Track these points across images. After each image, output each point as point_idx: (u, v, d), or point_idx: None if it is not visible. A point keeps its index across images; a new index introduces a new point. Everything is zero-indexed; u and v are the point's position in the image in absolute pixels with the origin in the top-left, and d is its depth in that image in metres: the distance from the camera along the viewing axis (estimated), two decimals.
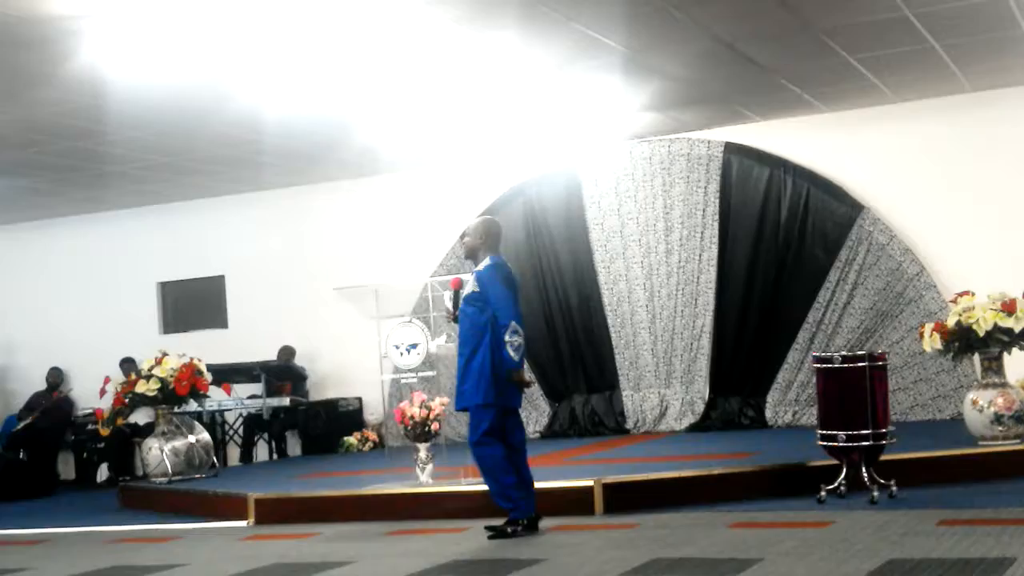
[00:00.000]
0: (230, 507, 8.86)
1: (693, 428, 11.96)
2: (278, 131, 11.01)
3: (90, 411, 13.10)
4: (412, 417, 8.36)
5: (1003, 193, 11.24)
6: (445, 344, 9.15)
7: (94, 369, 12.47)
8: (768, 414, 11.81)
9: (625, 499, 7.74)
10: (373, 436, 13.03)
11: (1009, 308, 8.31)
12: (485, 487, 8.22)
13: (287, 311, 13.90)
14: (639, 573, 5.58)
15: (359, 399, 13.36)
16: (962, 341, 8.47)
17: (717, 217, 12.09)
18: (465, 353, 7.00)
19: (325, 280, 13.07)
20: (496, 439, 7.03)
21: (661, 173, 12.34)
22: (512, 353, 6.83)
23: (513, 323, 6.84)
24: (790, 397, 11.77)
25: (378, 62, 9.05)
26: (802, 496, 7.56)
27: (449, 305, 7.28)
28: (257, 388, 13.03)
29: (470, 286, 7.08)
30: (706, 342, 12.10)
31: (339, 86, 9.67)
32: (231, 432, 13.68)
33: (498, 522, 7.04)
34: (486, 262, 7.10)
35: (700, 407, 12.06)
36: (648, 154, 12.40)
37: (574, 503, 7.74)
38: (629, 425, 12.36)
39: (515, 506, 7.00)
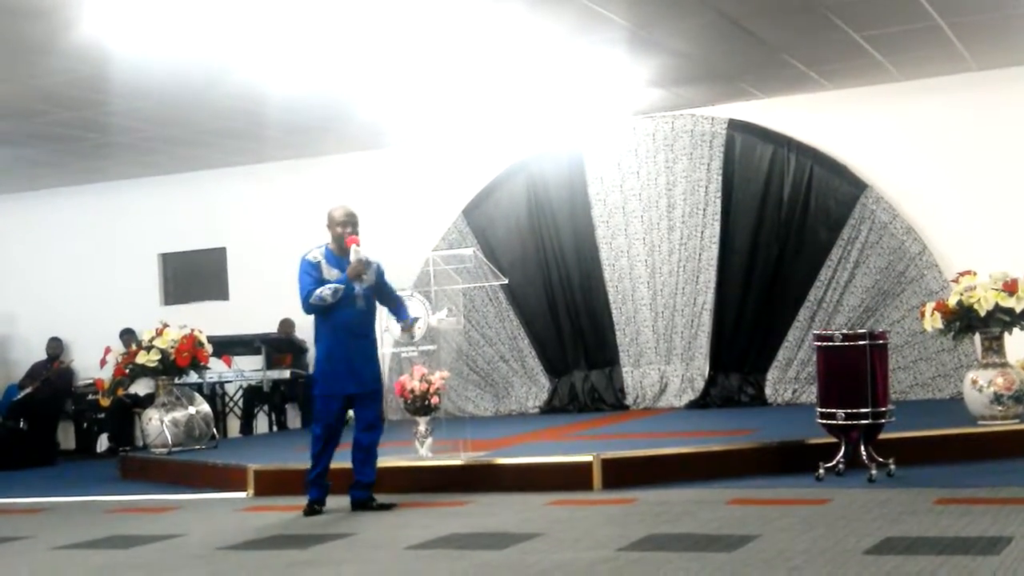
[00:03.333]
0: (230, 478, 8.89)
1: (693, 405, 11.97)
2: (281, 103, 10.97)
3: (90, 381, 13.13)
4: (412, 391, 8.37)
5: (1007, 173, 11.21)
6: (446, 318, 9.13)
7: (95, 340, 12.47)
8: (768, 391, 11.82)
9: (624, 474, 7.76)
10: None
11: (1011, 288, 8.30)
12: (483, 461, 8.28)
13: (288, 283, 13.71)
14: (637, 548, 5.59)
15: None
16: (963, 321, 8.46)
17: (720, 194, 12.06)
18: (372, 336, 7.50)
19: None
20: None
21: (664, 149, 12.31)
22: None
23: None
24: (790, 375, 11.78)
25: (382, 34, 9.01)
26: (800, 473, 7.57)
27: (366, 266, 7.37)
28: (257, 360, 13.04)
29: (374, 275, 7.45)
30: (707, 319, 12.10)
31: (342, 58, 9.64)
32: (231, 404, 13.71)
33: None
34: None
35: (700, 384, 12.07)
36: (651, 130, 12.36)
37: (573, 478, 7.76)
38: (629, 401, 12.37)
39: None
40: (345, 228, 7.33)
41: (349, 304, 7.28)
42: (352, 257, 7.21)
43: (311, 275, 7.25)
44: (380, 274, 7.55)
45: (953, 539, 5.29)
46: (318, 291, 7.19)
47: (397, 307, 7.76)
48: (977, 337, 8.75)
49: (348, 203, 7.62)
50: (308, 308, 7.32)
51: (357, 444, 7.44)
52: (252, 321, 13.40)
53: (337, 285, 7.17)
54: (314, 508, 7.35)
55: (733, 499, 6.95)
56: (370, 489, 7.44)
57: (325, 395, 7.38)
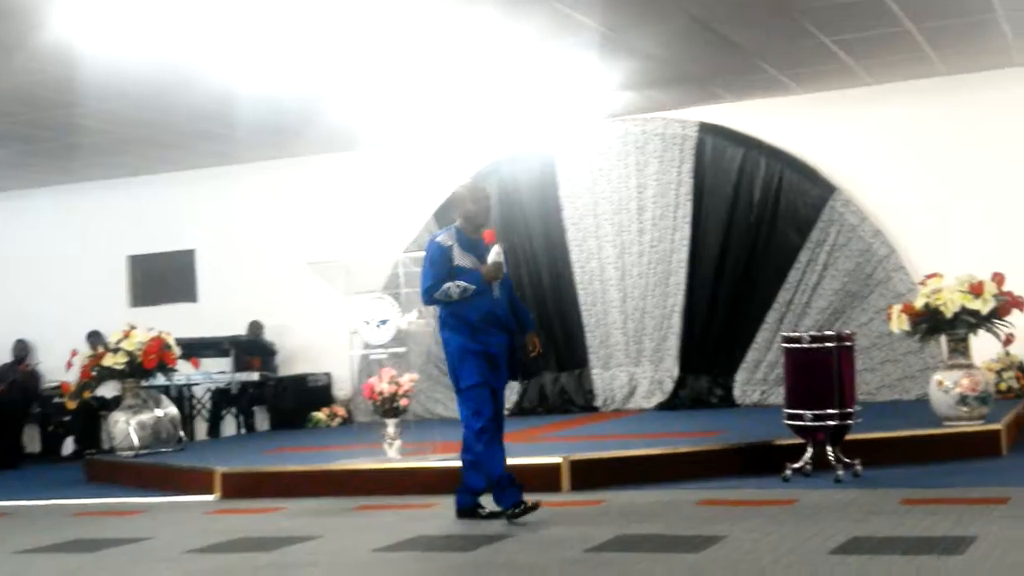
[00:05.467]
0: (196, 481, 8.83)
1: (662, 406, 11.99)
2: (251, 105, 10.91)
3: (56, 384, 13.00)
4: (381, 393, 8.35)
5: (974, 176, 11.30)
6: (416, 320, 9.10)
7: (61, 342, 12.35)
8: (736, 393, 11.86)
9: (592, 476, 7.77)
10: (342, 412, 13.01)
11: (976, 290, 8.35)
12: (456, 463, 8.23)
13: (257, 286, 13.84)
14: (605, 549, 5.59)
15: (328, 374, 13.32)
16: (929, 323, 8.51)
17: (690, 197, 12.09)
18: (513, 328, 6.72)
19: (296, 255, 13.01)
20: None
21: (635, 152, 12.33)
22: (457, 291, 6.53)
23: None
24: (758, 376, 11.82)
25: (353, 36, 8.98)
26: (768, 474, 7.60)
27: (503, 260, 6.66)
28: (226, 363, 12.97)
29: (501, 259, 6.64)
30: (676, 321, 12.12)
31: (313, 60, 9.60)
32: (199, 406, 13.63)
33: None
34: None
35: (669, 386, 12.09)
36: (622, 133, 12.38)
37: (541, 480, 7.73)
38: (598, 403, 12.38)
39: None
40: (479, 204, 6.63)
41: (486, 293, 6.57)
42: (492, 258, 6.55)
43: (440, 264, 6.50)
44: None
45: (918, 539, 5.32)
46: (446, 286, 6.45)
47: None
48: (943, 339, 8.80)
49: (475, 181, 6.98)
50: (430, 301, 6.62)
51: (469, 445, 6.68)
52: (221, 323, 13.35)
53: (467, 285, 6.45)
54: (530, 505, 6.47)
55: (701, 500, 6.96)
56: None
57: (475, 386, 6.55)
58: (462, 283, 6.46)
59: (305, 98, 10.83)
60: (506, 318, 6.66)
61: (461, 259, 6.54)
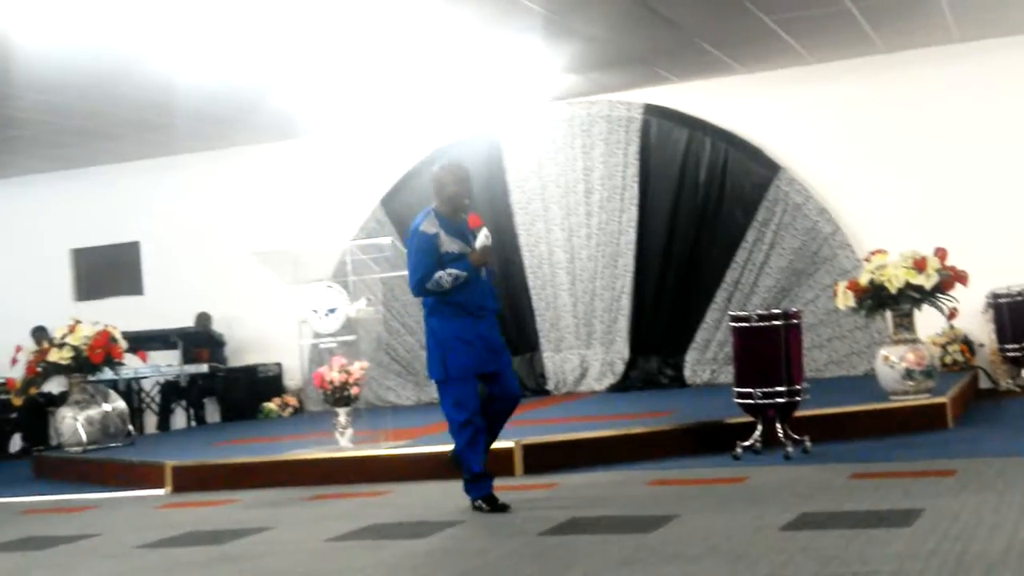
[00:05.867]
0: (147, 475, 8.76)
1: (613, 388, 12.05)
2: (192, 94, 10.78)
3: (1, 381, 12.81)
4: (331, 382, 8.31)
5: (916, 153, 11.43)
6: (365, 308, 9.07)
7: (5, 338, 12.14)
8: (687, 373, 11.93)
9: (545, 460, 7.78)
10: (293, 401, 12.95)
11: (920, 266, 8.46)
12: (404, 450, 8.24)
13: (204, 277, 13.71)
14: (558, 532, 5.61)
15: (279, 364, 13.24)
16: (875, 298, 8.61)
17: (637, 179, 12.13)
18: (495, 308, 6.55)
19: (242, 245, 12.89)
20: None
21: (581, 135, 12.34)
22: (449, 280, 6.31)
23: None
24: (708, 356, 11.90)
25: (294, 22, 8.89)
26: (718, 453, 7.68)
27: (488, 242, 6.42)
28: (174, 355, 12.86)
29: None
30: (626, 303, 12.17)
31: (254, 48, 9.50)
32: (148, 400, 13.50)
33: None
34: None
35: (620, 367, 12.15)
36: (568, 116, 12.39)
37: (494, 464, 7.69)
38: (550, 386, 12.41)
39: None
40: (460, 185, 6.38)
41: (477, 277, 6.38)
42: (481, 242, 6.31)
43: (428, 253, 6.25)
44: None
45: (867, 513, 5.39)
46: (438, 276, 6.22)
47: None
48: (888, 314, 8.91)
49: (457, 159, 6.75)
50: (421, 292, 6.35)
51: (500, 418, 6.55)
52: (168, 315, 13.23)
53: (459, 273, 6.23)
54: (499, 504, 6.36)
55: (653, 480, 7.01)
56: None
57: (463, 377, 6.32)
58: (454, 271, 6.24)
59: (246, 85, 10.71)
60: (493, 300, 6.53)
61: (449, 245, 6.31)
